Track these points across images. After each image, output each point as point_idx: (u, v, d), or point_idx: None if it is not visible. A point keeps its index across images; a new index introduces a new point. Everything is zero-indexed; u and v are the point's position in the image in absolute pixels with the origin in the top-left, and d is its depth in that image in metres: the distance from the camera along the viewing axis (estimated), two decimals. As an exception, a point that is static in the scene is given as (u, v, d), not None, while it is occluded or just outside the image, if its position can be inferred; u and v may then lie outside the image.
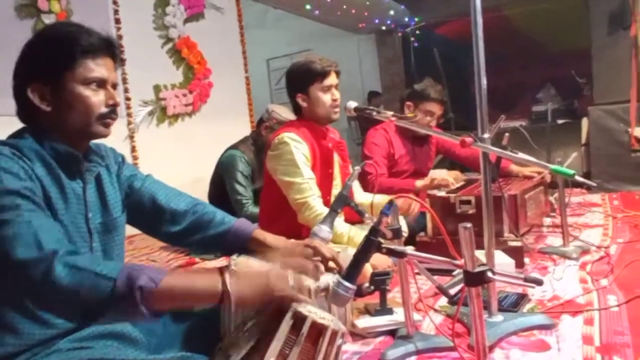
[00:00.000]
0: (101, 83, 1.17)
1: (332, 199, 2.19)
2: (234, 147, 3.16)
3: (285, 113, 3.05)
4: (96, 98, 1.16)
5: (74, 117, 1.14)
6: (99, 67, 1.16)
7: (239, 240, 1.41)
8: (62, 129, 1.15)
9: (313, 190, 2.08)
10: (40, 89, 1.12)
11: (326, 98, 2.12)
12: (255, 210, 2.86)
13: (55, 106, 1.13)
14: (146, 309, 0.95)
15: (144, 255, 3.02)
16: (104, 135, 1.21)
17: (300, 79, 2.15)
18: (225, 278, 1.01)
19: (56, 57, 1.13)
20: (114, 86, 1.21)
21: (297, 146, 2.10)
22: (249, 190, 3.02)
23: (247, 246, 1.41)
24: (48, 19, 3.23)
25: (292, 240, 1.43)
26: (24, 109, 1.16)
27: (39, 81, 1.12)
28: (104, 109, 1.17)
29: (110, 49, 1.20)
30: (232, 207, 2.97)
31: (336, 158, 2.29)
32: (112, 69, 1.21)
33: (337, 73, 2.18)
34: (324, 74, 2.12)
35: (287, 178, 2.11)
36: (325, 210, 1.99)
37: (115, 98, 1.19)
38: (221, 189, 3.07)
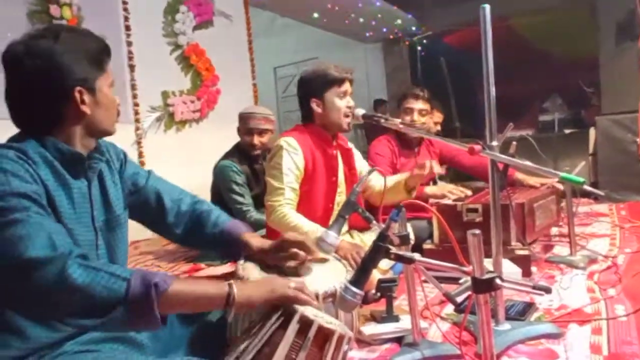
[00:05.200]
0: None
1: (336, 206, 2.19)
2: (223, 158, 3.11)
3: (250, 108, 3.14)
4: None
5: (107, 118, 1.21)
6: (109, 70, 1.22)
7: (231, 244, 1.43)
8: (91, 131, 1.18)
9: (287, 197, 2.03)
10: (80, 93, 1.14)
11: (341, 104, 2.12)
12: (258, 216, 2.81)
13: (93, 109, 1.16)
14: (159, 311, 0.96)
15: (149, 260, 3.02)
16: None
17: (317, 84, 2.14)
18: (232, 282, 1.06)
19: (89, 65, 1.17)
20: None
21: (289, 152, 2.08)
22: (248, 197, 2.96)
23: (241, 250, 1.42)
24: (59, 26, 3.27)
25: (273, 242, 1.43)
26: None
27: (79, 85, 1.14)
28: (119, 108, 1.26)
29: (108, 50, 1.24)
30: (235, 216, 2.94)
31: (342, 166, 2.27)
32: None
33: (351, 82, 2.18)
34: (341, 81, 2.12)
35: (269, 179, 2.10)
36: (293, 214, 1.99)
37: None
38: (221, 198, 3.03)
